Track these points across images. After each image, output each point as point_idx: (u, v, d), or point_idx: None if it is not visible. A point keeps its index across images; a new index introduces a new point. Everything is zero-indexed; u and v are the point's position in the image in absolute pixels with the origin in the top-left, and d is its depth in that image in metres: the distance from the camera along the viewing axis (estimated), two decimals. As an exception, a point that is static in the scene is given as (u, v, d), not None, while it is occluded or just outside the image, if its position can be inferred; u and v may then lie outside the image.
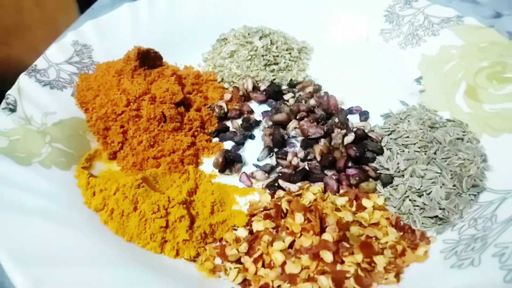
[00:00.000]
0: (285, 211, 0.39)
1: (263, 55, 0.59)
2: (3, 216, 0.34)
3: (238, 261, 0.37)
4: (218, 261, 0.38)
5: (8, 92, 0.46)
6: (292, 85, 0.57)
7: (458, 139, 0.46)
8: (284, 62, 0.59)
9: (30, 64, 0.53)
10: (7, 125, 0.43)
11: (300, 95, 0.55)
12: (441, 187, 0.41)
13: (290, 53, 0.60)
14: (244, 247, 0.38)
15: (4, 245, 0.32)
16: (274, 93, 0.55)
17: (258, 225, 0.39)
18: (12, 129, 0.43)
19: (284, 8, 0.66)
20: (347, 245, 0.36)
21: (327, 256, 0.35)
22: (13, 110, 0.44)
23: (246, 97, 0.55)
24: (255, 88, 0.56)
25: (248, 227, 0.40)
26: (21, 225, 0.34)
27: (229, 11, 0.66)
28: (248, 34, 0.60)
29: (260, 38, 0.60)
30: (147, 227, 0.37)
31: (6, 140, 0.41)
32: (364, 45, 0.62)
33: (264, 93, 0.55)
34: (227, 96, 0.55)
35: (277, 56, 0.59)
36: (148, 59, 0.52)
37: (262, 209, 0.41)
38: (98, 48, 0.56)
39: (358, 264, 0.35)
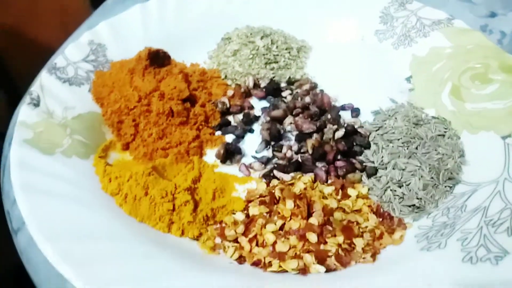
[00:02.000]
0: (277, 198, 0.44)
1: (264, 54, 0.63)
2: (32, 198, 0.40)
3: (235, 240, 0.42)
4: (218, 240, 0.43)
5: (32, 88, 0.51)
6: (290, 82, 0.62)
7: (439, 135, 0.51)
8: (284, 61, 0.64)
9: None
10: (32, 118, 0.48)
11: (297, 92, 0.60)
12: (419, 179, 0.46)
13: (289, 52, 0.65)
14: (241, 228, 0.43)
15: (35, 224, 0.38)
16: (273, 90, 0.59)
17: (253, 210, 0.44)
18: (37, 122, 0.48)
19: (285, 8, 0.70)
20: (330, 228, 0.41)
21: (312, 237, 0.40)
22: (36, 105, 0.50)
23: (247, 94, 0.60)
24: (256, 85, 0.61)
25: (245, 212, 0.45)
26: (48, 206, 0.40)
27: (233, 11, 0.70)
28: (251, 34, 0.65)
29: (262, 38, 0.64)
30: (156, 210, 0.43)
31: (31, 132, 0.47)
32: (360, 44, 0.66)
33: (264, 90, 0.60)
34: (230, 92, 0.60)
35: (277, 55, 0.64)
36: (157, 59, 0.56)
37: (258, 196, 0.46)
38: (112, 47, 0.61)
39: (339, 245, 0.40)
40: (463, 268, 0.35)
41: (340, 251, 0.39)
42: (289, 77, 0.63)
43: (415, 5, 0.66)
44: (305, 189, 0.45)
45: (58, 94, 0.52)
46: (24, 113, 0.48)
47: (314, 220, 0.41)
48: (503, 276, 0.34)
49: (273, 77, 0.62)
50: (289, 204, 0.43)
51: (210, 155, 0.53)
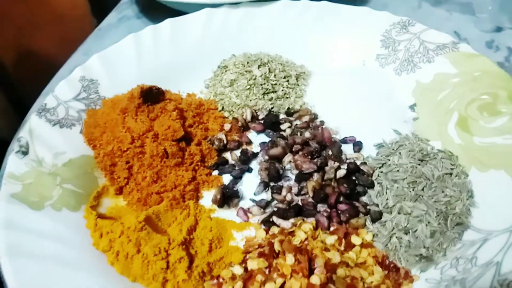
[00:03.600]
0: (277, 251, 0.42)
1: (261, 84, 0.61)
2: (16, 262, 0.38)
3: (234, 298, 0.40)
4: (215, 298, 0.41)
5: (20, 135, 0.49)
6: (289, 113, 0.60)
7: (446, 174, 0.48)
8: (282, 90, 0.61)
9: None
10: (20, 169, 0.46)
11: (296, 124, 0.57)
12: (426, 225, 0.43)
13: (288, 81, 0.62)
14: (239, 285, 0.41)
15: (20, 291, 0.36)
16: (271, 123, 0.57)
17: (252, 264, 0.42)
18: (25, 173, 0.46)
19: (284, 33, 0.68)
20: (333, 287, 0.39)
21: (314, 299, 0.38)
22: (25, 153, 0.48)
23: (245, 127, 0.58)
24: (254, 118, 0.59)
25: (244, 265, 0.43)
26: (33, 270, 0.38)
27: (230, 37, 0.68)
28: (248, 62, 0.63)
29: (259, 66, 0.62)
30: (149, 268, 0.41)
31: (20, 185, 0.45)
32: (361, 70, 0.64)
33: (262, 123, 0.58)
34: (227, 126, 0.58)
35: (275, 84, 0.61)
36: (151, 96, 0.54)
37: (257, 246, 0.44)
38: (104, 82, 0.59)
39: (343, 306, 0.38)
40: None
41: (343, 314, 0.37)
42: (288, 107, 0.60)
43: (418, 27, 0.63)
44: (306, 239, 0.43)
45: (48, 139, 0.50)
46: (12, 163, 0.46)
47: (316, 279, 0.39)
48: None
49: (272, 108, 0.60)
50: (289, 259, 0.41)
51: (207, 197, 0.51)
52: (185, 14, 0.68)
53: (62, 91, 0.56)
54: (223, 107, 0.61)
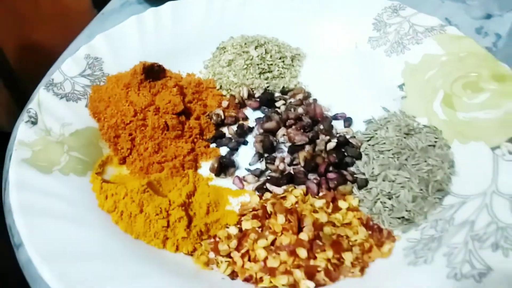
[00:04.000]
0: (269, 212, 0.45)
1: (258, 64, 0.64)
2: (30, 219, 0.41)
3: (229, 255, 0.44)
4: (211, 255, 0.44)
5: (30, 106, 0.53)
6: (284, 92, 0.63)
7: (429, 145, 0.51)
8: (278, 70, 0.64)
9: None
10: (30, 137, 0.49)
11: (291, 102, 0.60)
12: (409, 191, 0.47)
13: (283, 61, 0.65)
14: (234, 243, 0.44)
15: (32, 245, 0.39)
16: (267, 101, 0.60)
17: (246, 224, 0.45)
18: (35, 141, 0.49)
19: (280, 16, 0.70)
20: (320, 243, 0.42)
21: (302, 252, 0.41)
22: (34, 123, 0.51)
23: (242, 104, 0.61)
24: (250, 96, 0.61)
25: (238, 226, 0.46)
26: (45, 227, 0.41)
27: (228, 20, 0.71)
28: (245, 44, 0.65)
29: (256, 47, 0.65)
30: (151, 226, 0.44)
31: (30, 151, 0.48)
32: (353, 52, 0.67)
33: (258, 100, 0.61)
34: (225, 103, 0.61)
35: (271, 64, 0.64)
36: (152, 73, 0.57)
37: (251, 210, 0.47)
38: (108, 60, 0.62)
39: (329, 260, 0.41)
40: (448, 284, 0.36)
41: (329, 266, 0.40)
42: (283, 87, 0.63)
43: (408, 11, 0.66)
44: (296, 203, 0.46)
45: (55, 110, 0.53)
46: (22, 131, 0.49)
47: (304, 236, 0.42)
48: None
49: (267, 86, 0.63)
50: (280, 219, 0.44)
51: (205, 167, 0.54)
52: (184, -1, 0.71)
53: (68, 67, 0.59)
54: (221, 86, 0.64)
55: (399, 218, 0.46)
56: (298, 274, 0.40)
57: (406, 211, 0.45)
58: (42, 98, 0.54)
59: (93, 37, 0.71)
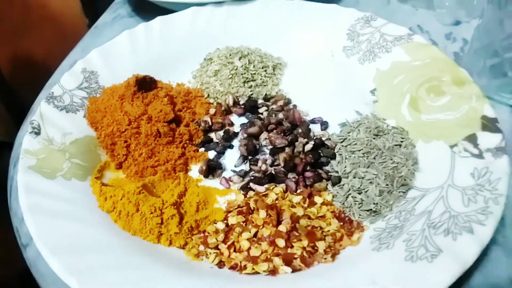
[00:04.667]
0: (252, 208, 0.51)
1: (242, 74, 0.69)
2: (38, 219, 0.46)
3: (216, 247, 0.49)
4: (201, 248, 0.49)
5: (33, 118, 0.58)
6: (266, 99, 0.68)
7: (396, 145, 0.57)
8: (260, 79, 0.70)
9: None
10: (34, 146, 0.54)
11: (272, 108, 0.66)
12: (376, 186, 0.52)
13: (265, 70, 0.71)
14: (221, 236, 0.49)
15: (42, 241, 0.44)
16: (250, 107, 0.66)
17: (232, 220, 0.51)
18: (39, 149, 0.54)
19: (262, 28, 0.76)
20: (297, 234, 0.47)
21: (281, 242, 0.46)
22: (38, 133, 0.56)
23: (228, 111, 0.66)
24: (235, 103, 0.67)
25: (225, 221, 0.52)
26: (53, 225, 0.46)
27: (214, 32, 0.76)
28: (230, 55, 0.71)
29: (240, 58, 0.70)
30: (147, 224, 0.49)
31: (35, 159, 0.53)
32: (329, 60, 0.72)
33: (243, 107, 0.66)
34: (212, 110, 0.66)
35: (254, 73, 0.70)
36: (144, 84, 0.63)
37: (236, 207, 0.53)
38: (103, 73, 0.67)
39: (304, 248, 0.46)
40: (405, 265, 0.42)
41: (304, 254, 0.46)
42: (266, 94, 0.69)
43: (379, 21, 0.72)
44: (276, 199, 0.52)
45: (56, 121, 0.58)
46: (27, 141, 0.54)
47: (282, 228, 0.47)
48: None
49: (251, 94, 0.69)
50: (262, 213, 0.49)
51: (195, 170, 0.59)
52: (173, 12, 0.76)
53: (66, 81, 0.64)
54: (208, 95, 0.69)
55: (367, 210, 0.51)
56: (277, 261, 0.45)
57: (374, 204, 0.51)
58: (43, 110, 0.59)
59: (87, 50, 0.77)
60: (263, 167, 0.57)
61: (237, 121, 0.66)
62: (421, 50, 0.66)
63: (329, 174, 0.55)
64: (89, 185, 0.53)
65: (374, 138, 0.58)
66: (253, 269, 0.45)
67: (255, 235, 0.48)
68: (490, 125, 0.53)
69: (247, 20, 0.77)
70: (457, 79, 0.61)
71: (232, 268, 0.46)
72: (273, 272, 0.45)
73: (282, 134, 0.60)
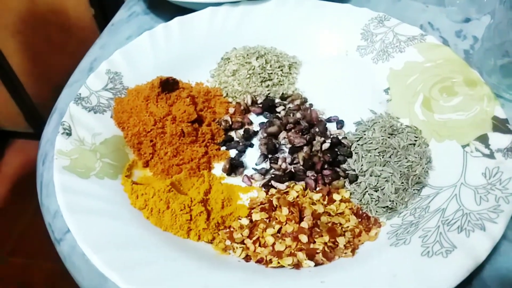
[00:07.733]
0: (275, 205, 0.54)
1: (259, 73, 0.72)
2: (76, 216, 0.49)
3: (242, 242, 0.52)
4: (228, 242, 0.53)
5: (64, 119, 0.60)
6: (283, 98, 0.71)
7: (410, 144, 0.60)
8: (277, 78, 0.72)
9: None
10: (67, 147, 0.57)
11: (289, 107, 0.69)
12: (392, 184, 0.55)
13: (281, 70, 0.73)
14: (246, 232, 0.53)
15: (81, 237, 0.48)
16: (268, 107, 0.68)
17: (256, 216, 0.54)
18: (71, 150, 0.57)
19: (277, 28, 0.78)
20: (318, 230, 0.50)
21: (303, 238, 0.50)
22: (69, 134, 0.59)
23: (247, 110, 0.69)
24: (254, 102, 0.70)
25: (249, 217, 0.55)
26: (91, 222, 0.49)
27: (231, 32, 0.78)
28: (247, 55, 0.73)
29: (257, 58, 0.73)
30: (177, 220, 0.52)
31: (68, 159, 0.56)
32: (344, 59, 0.75)
33: (261, 106, 0.69)
34: (231, 110, 0.69)
35: (271, 73, 0.72)
36: (167, 85, 0.65)
37: (259, 204, 0.56)
38: (127, 74, 0.69)
39: (325, 243, 0.49)
40: (422, 260, 0.45)
41: (326, 249, 0.49)
42: (282, 93, 0.71)
43: (392, 21, 0.74)
44: (297, 197, 0.55)
45: (86, 122, 0.61)
46: (59, 142, 0.57)
47: (305, 224, 0.50)
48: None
49: (268, 93, 0.71)
50: (285, 211, 0.52)
51: (218, 168, 0.62)
52: (188, 10, 0.78)
53: (92, 82, 0.66)
54: (227, 94, 0.72)
55: (384, 207, 0.54)
56: (301, 255, 0.48)
57: (390, 201, 0.54)
58: (73, 112, 0.62)
59: (106, 48, 0.79)
60: (283, 166, 0.60)
61: (256, 119, 0.68)
62: (433, 51, 0.68)
63: (346, 172, 0.58)
64: (121, 183, 0.56)
65: (389, 137, 0.60)
66: (278, 263, 0.49)
67: (278, 231, 0.51)
68: (501, 126, 0.56)
69: (263, 19, 0.79)
70: (468, 80, 0.63)
71: (259, 261, 0.50)
72: (297, 265, 0.49)
73: (300, 134, 0.63)
